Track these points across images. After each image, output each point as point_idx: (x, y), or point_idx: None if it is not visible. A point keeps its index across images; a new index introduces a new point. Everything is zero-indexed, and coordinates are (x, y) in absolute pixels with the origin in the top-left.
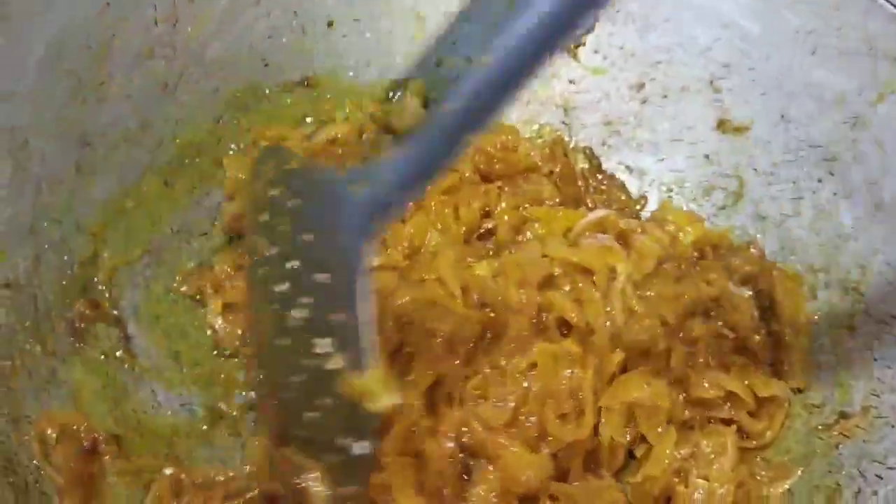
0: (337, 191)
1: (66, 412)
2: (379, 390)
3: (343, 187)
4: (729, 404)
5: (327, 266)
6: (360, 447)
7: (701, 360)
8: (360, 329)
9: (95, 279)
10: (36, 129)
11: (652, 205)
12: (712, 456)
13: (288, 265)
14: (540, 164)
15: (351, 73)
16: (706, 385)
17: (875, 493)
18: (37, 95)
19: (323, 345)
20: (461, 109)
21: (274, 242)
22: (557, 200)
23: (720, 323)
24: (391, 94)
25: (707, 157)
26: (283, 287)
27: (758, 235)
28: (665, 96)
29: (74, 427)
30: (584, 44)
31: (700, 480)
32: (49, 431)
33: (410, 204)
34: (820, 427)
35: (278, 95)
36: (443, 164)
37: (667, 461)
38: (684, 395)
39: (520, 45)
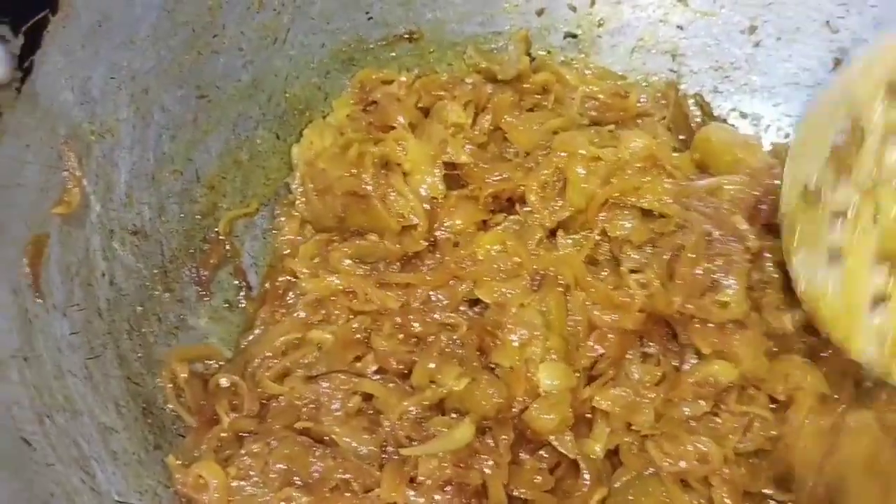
0: None
1: (195, 346)
2: None
3: None
4: None
5: None
6: None
7: None
8: None
9: (217, 230)
10: (156, 76)
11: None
12: None
13: None
14: (652, 110)
15: (454, 26)
16: None
17: None
18: (155, 44)
19: None
20: None
21: None
22: (673, 146)
23: None
24: (494, 47)
25: None
26: None
27: None
28: (779, 38)
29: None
30: None
31: None
32: (178, 372)
33: None
34: None
35: (383, 49)
36: None
37: None
38: None
39: None
